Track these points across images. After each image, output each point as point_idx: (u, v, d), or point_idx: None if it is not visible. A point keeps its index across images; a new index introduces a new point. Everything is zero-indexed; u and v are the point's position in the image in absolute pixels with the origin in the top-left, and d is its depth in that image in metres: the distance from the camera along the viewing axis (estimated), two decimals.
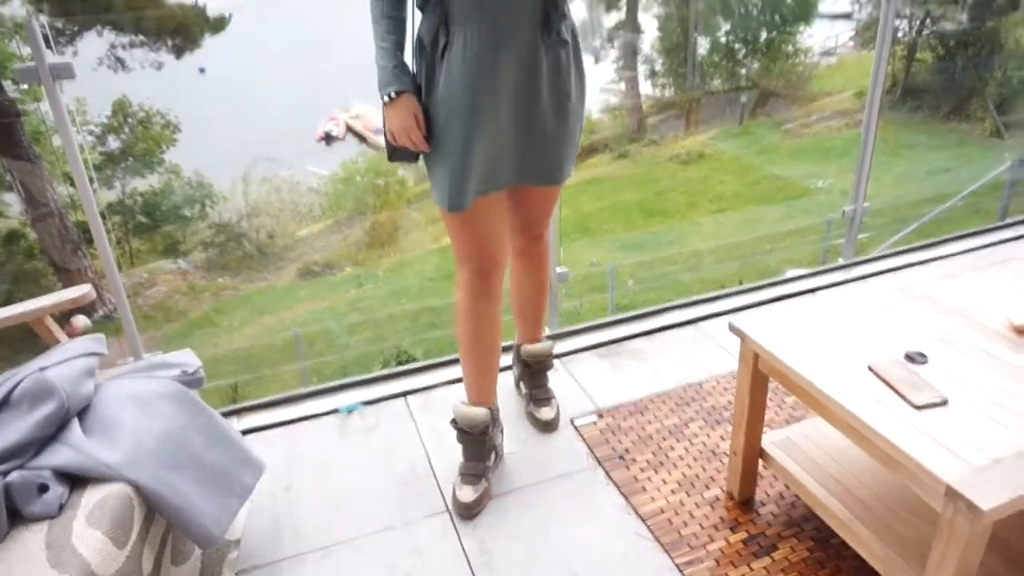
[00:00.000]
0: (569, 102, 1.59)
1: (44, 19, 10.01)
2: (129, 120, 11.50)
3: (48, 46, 1.89)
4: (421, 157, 1.59)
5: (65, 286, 9.09)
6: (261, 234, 11.91)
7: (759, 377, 1.54)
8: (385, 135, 1.55)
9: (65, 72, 1.84)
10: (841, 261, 2.95)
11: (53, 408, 1.26)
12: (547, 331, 2.46)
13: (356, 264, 11.57)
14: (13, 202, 9.66)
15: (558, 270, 2.42)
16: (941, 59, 14.22)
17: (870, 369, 1.35)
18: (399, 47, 1.50)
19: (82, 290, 1.59)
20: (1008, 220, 3.30)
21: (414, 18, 1.52)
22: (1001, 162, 8.98)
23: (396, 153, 1.57)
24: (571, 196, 11.70)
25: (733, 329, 1.53)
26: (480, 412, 1.76)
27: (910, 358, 1.38)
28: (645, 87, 17.35)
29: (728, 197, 12.19)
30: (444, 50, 1.46)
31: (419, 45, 1.50)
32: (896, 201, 9.88)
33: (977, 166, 10.91)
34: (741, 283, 3.07)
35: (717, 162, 13.45)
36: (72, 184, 10.27)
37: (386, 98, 1.49)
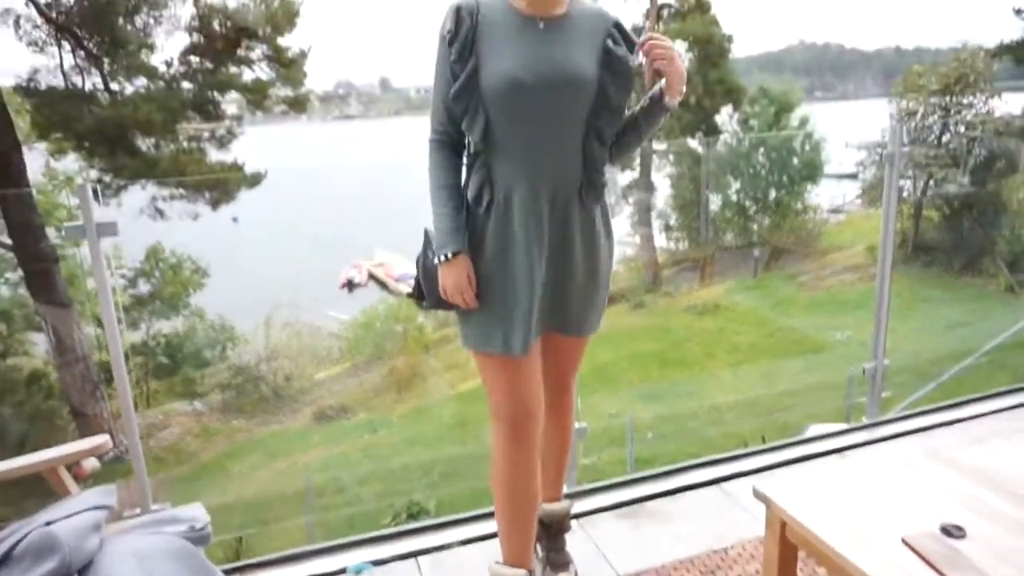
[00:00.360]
0: (599, 260, 1.69)
1: (94, 173, 10.75)
2: (160, 265, 11.98)
3: (95, 198, 2.03)
4: (459, 313, 1.65)
5: (80, 429, 9.13)
6: (279, 376, 11.97)
7: (788, 547, 1.47)
8: (437, 290, 1.61)
9: (110, 230, 1.95)
10: (865, 420, 2.89)
11: (54, 565, 1.23)
12: (565, 488, 2.38)
13: (371, 409, 11.49)
14: (39, 341, 9.87)
15: (576, 425, 2.39)
16: (947, 218, 14.61)
17: (905, 543, 1.28)
18: (457, 211, 1.57)
19: (98, 440, 1.59)
20: None
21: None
22: (1017, 319, 8.97)
23: (439, 304, 1.63)
24: (588, 345, 11.69)
25: (758, 495, 1.48)
26: (519, 575, 1.68)
27: (947, 531, 1.31)
28: (660, 240, 17.91)
29: (745, 348, 12.17)
30: (488, 206, 1.56)
31: (464, 202, 1.60)
32: (916, 356, 9.79)
33: (996, 321, 10.89)
34: (764, 440, 3.00)
35: (733, 313, 13.56)
36: (100, 326, 10.56)
37: (443, 258, 1.56)
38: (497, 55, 1.50)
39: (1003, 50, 16.51)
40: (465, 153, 1.62)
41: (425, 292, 1.65)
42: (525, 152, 1.54)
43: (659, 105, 1.62)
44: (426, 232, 1.64)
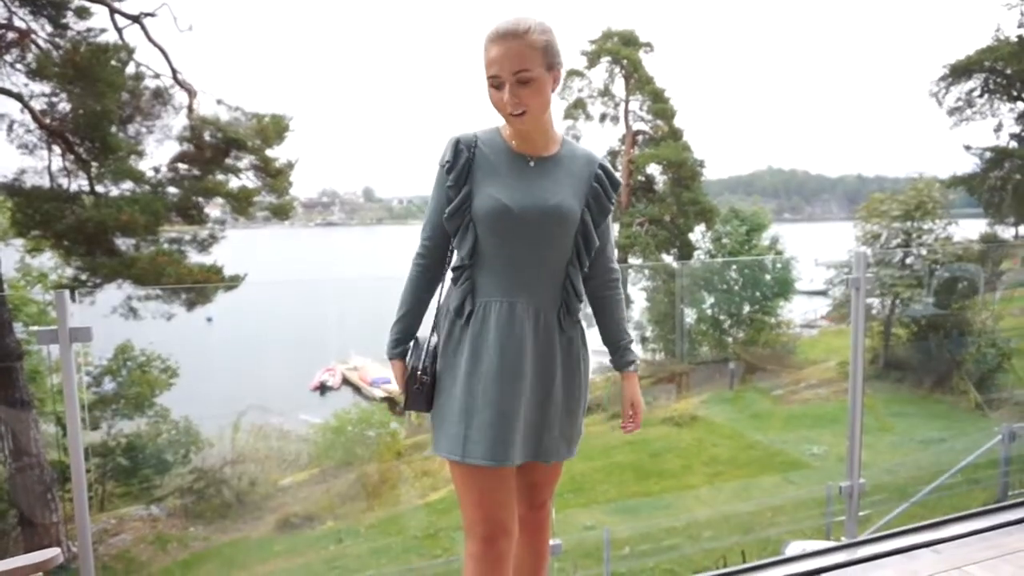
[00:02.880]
0: (578, 381, 1.74)
1: (70, 271, 10.69)
2: (128, 364, 11.72)
3: (72, 299, 2.01)
4: (436, 410, 1.70)
5: (25, 535, 8.60)
6: (243, 481, 11.50)
7: None
8: (415, 391, 1.70)
9: (83, 336, 1.92)
10: (844, 539, 2.85)
11: None
12: None
13: (338, 518, 11.01)
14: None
15: (551, 542, 2.32)
16: (915, 335, 14.97)
17: None
18: (406, 329, 1.75)
19: (48, 555, 1.51)
20: (1008, 501, 3.24)
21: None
22: (991, 435, 9.02)
23: (409, 402, 1.70)
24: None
25: None
26: None
27: None
28: (636, 351, 18.04)
29: (723, 461, 12.04)
30: (469, 317, 1.65)
31: (442, 311, 1.72)
32: (893, 473, 9.74)
33: (971, 437, 10.94)
34: (744, 556, 2.93)
35: (710, 425, 13.50)
36: (60, 424, 10.17)
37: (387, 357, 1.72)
38: (489, 185, 1.63)
39: (956, 181, 17.58)
40: (450, 267, 1.73)
41: (408, 394, 1.71)
42: (508, 270, 1.64)
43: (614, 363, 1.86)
44: (416, 340, 1.74)
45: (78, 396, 1.94)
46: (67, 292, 1.99)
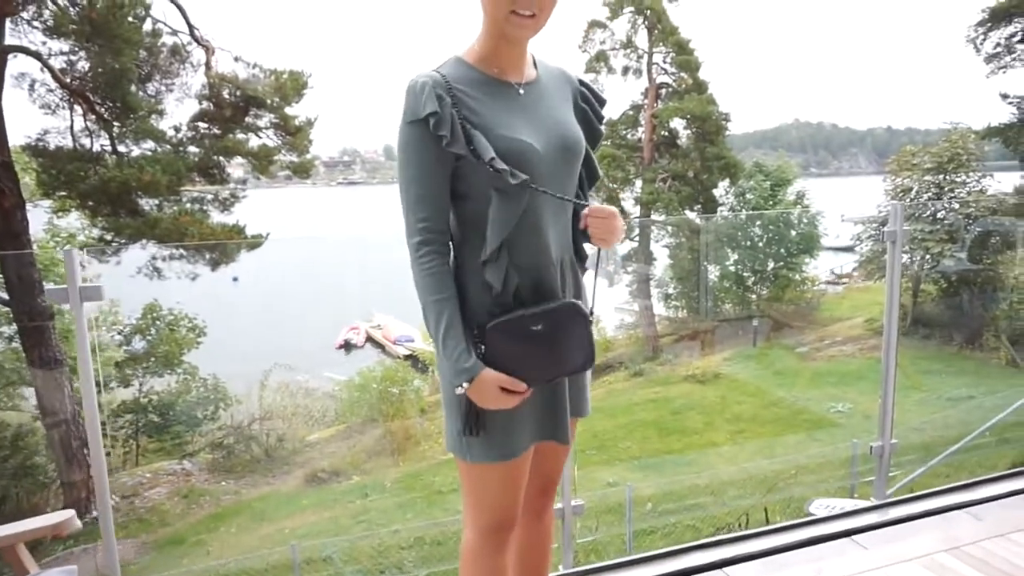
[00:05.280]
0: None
1: (96, 232, 10.80)
2: (157, 323, 11.91)
3: (83, 268, 1.99)
4: (447, 405, 1.47)
5: (64, 489, 8.89)
6: (271, 437, 11.76)
7: None
8: (467, 411, 1.41)
9: (94, 295, 1.89)
10: (873, 500, 2.80)
11: None
12: (560, 569, 2.28)
13: (364, 473, 11.24)
14: (31, 396, 9.75)
15: (572, 502, 2.30)
16: (945, 292, 14.70)
17: None
18: (454, 327, 1.37)
19: (61, 517, 1.51)
20: None
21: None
22: (1022, 393, 8.88)
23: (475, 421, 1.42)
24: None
25: None
26: None
27: None
28: (659, 308, 17.95)
29: (746, 419, 12.02)
30: (502, 297, 1.40)
31: (480, 290, 1.42)
32: (920, 431, 9.66)
33: (1001, 395, 10.79)
34: (767, 515, 2.89)
35: (733, 382, 13.45)
36: (96, 383, 10.43)
37: (462, 388, 1.37)
38: (499, 127, 1.35)
39: (992, 132, 17.00)
40: (457, 249, 1.46)
41: (463, 416, 1.43)
42: (543, 231, 1.41)
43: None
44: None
45: (90, 355, 1.93)
46: (75, 250, 1.95)
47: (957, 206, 14.67)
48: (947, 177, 14.89)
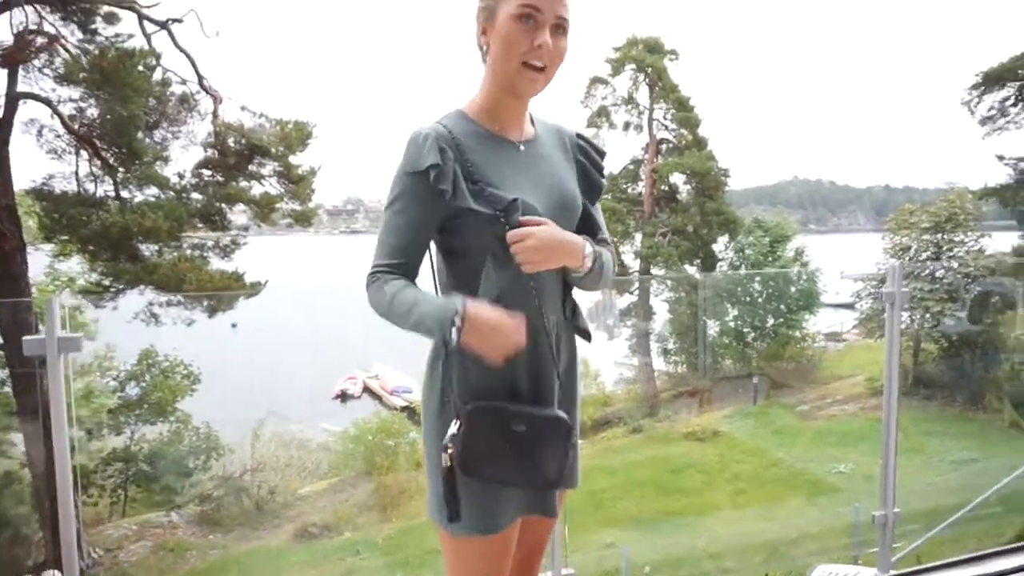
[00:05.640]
0: (577, 400, 1.51)
1: (94, 276, 10.80)
2: (152, 369, 11.81)
3: (64, 323, 1.92)
4: (430, 472, 1.40)
5: (48, 542, 8.63)
6: (263, 489, 11.53)
7: None
8: (462, 504, 1.33)
9: (72, 346, 1.83)
10: (877, 572, 2.70)
11: None
12: None
13: (356, 528, 10.99)
14: (20, 442, 9.60)
15: (564, 571, 2.22)
16: (946, 352, 14.63)
17: None
18: (426, 294, 1.34)
19: None
20: None
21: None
22: None
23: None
24: (583, 471, 11.38)
25: None
26: None
27: None
28: (658, 363, 17.85)
29: (746, 478, 11.82)
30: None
31: (438, 351, 1.38)
32: (923, 496, 9.47)
33: (1005, 458, 10.62)
34: None
35: (733, 441, 13.28)
36: (84, 429, 10.25)
37: (455, 331, 1.25)
38: (500, 185, 1.32)
39: (989, 192, 17.20)
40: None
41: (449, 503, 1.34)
42: (536, 291, 1.35)
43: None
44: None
45: (65, 409, 1.86)
46: (57, 300, 1.88)
47: (956, 265, 14.72)
48: (945, 236, 14.99)
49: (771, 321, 17.63)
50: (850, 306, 18.31)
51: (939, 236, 15.02)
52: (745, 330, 17.50)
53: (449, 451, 1.32)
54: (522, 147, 1.40)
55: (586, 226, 1.48)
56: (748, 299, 17.90)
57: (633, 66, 20.04)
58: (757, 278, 17.92)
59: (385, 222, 1.37)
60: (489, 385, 1.35)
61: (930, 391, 14.31)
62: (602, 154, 1.51)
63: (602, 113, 20.27)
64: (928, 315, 14.46)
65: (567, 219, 1.41)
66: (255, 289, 11.41)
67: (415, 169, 1.30)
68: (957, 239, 15.07)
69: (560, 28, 1.31)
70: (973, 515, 8.06)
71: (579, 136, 1.51)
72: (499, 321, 1.26)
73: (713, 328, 17.62)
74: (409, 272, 1.37)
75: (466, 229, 1.34)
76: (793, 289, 17.98)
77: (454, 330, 1.24)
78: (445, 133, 1.33)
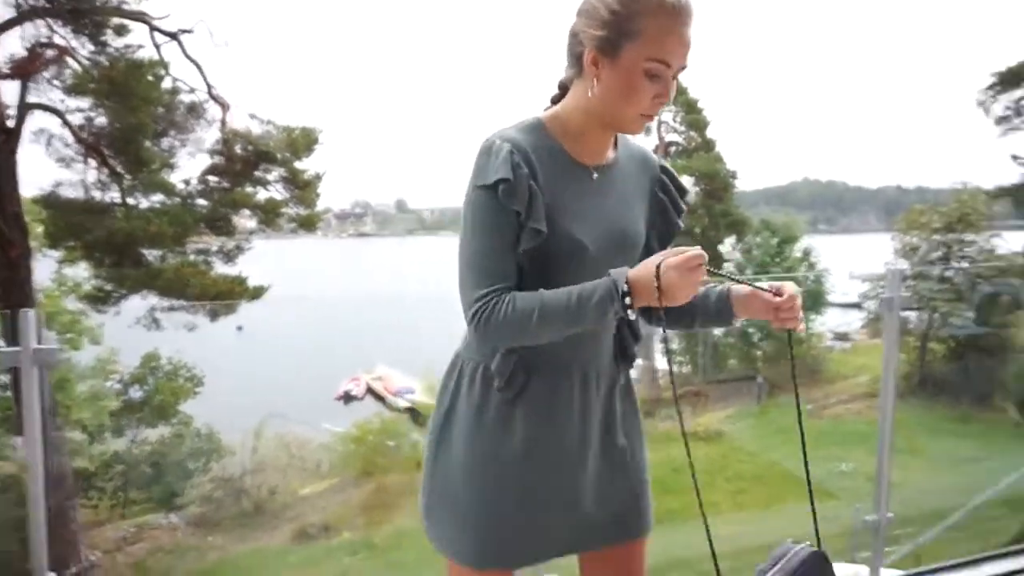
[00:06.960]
0: (640, 437, 1.44)
1: (97, 281, 10.90)
2: (155, 372, 11.93)
3: (48, 330, 1.90)
4: (447, 508, 1.33)
5: (48, 542, 8.74)
6: (263, 490, 11.59)
7: None
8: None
9: (48, 358, 1.81)
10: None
11: None
12: None
13: (355, 529, 11.01)
14: (19, 445, 9.71)
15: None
16: (953, 351, 14.49)
17: None
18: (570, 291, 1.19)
19: None
20: None
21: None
22: None
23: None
24: None
25: None
26: None
27: None
28: (661, 362, 17.79)
29: (747, 478, 11.75)
30: (523, 389, 1.26)
31: (465, 369, 1.30)
32: (926, 491, 9.39)
33: (1007, 458, 10.50)
34: None
35: (736, 440, 13.22)
36: (86, 432, 10.36)
37: (625, 296, 1.13)
38: (561, 213, 1.21)
39: (1002, 192, 17.01)
40: None
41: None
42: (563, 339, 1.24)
43: (726, 318, 1.36)
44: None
45: (39, 422, 1.84)
46: (31, 312, 1.81)
47: (967, 265, 14.59)
48: (956, 236, 14.87)
49: None
50: (858, 306, 18.22)
51: (949, 236, 14.91)
52: (750, 330, 17.43)
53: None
54: (595, 175, 1.28)
55: None
56: None
57: None
58: (763, 278, 17.84)
59: (466, 249, 1.22)
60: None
61: (936, 391, 14.19)
62: (684, 192, 1.39)
63: None
64: (936, 315, 14.34)
65: (623, 257, 1.26)
66: (258, 293, 11.50)
67: (484, 182, 1.18)
68: (968, 239, 14.95)
69: (680, 74, 1.21)
70: (975, 512, 8.00)
71: (663, 170, 1.38)
72: (685, 257, 1.12)
73: (718, 329, 17.57)
74: (514, 282, 1.22)
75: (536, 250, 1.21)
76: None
77: (623, 295, 1.13)
78: (520, 143, 1.20)
